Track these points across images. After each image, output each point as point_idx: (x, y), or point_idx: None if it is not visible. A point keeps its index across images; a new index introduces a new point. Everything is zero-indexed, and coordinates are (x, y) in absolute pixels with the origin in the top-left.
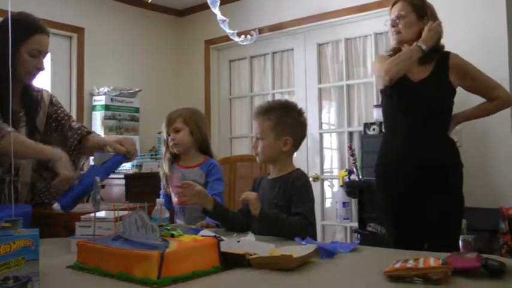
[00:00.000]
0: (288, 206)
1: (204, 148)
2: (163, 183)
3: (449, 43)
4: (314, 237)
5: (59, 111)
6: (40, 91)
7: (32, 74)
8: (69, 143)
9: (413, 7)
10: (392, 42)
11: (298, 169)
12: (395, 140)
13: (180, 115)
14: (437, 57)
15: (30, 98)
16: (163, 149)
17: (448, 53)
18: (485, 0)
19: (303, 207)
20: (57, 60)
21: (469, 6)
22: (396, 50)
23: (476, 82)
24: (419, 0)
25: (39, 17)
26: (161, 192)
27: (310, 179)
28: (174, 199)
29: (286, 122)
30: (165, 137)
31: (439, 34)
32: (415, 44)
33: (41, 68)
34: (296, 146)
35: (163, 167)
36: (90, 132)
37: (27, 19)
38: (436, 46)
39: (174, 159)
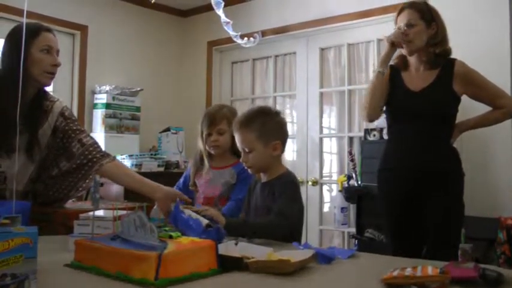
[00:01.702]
0: None
1: (238, 151)
2: (191, 179)
3: (451, 50)
4: (297, 234)
5: (71, 125)
6: (53, 101)
7: (49, 72)
8: (75, 159)
9: (421, 14)
10: (404, 51)
11: (287, 171)
12: (398, 146)
13: (225, 116)
14: (443, 63)
15: (36, 107)
16: (200, 145)
17: (453, 59)
18: (488, 8)
19: (281, 203)
20: (59, 57)
21: (472, 14)
22: (401, 58)
23: (482, 91)
24: (425, 7)
25: (43, 14)
26: (179, 185)
27: (309, 183)
28: (199, 198)
29: (269, 127)
30: (204, 136)
31: (388, 53)
32: (372, 72)
33: (56, 63)
34: (284, 147)
35: (196, 164)
36: (104, 156)
37: (31, 23)
38: (442, 51)
39: (202, 159)
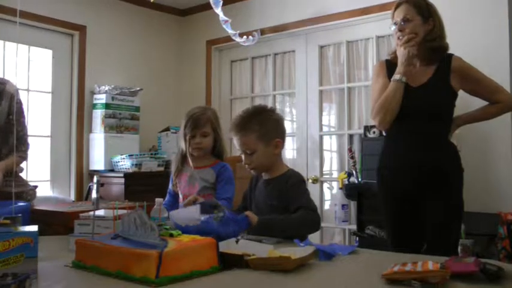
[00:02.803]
0: (283, 206)
1: (218, 153)
2: (173, 179)
3: (450, 47)
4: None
5: (22, 106)
6: (4, 84)
7: None
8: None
9: (417, 10)
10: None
11: (291, 169)
12: (397, 143)
13: (209, 120)
14: (440, 58)
15: None
16: (182, 146)
17: (450, 55)
18: (487, 4)
19: (301, 199)
20: (58, 58)
21: (471, 10)
22: (397, 52)
23: (479, 86)
24: (423, 2)
25: (41, 15)
26: (169, 188)
27: (310, 180)
28: (181, 197)
29: (268, 126)
30: (188, 137)
31: (408, 55)
32: (392, 81)
33: None
34: (284, 144)
35: (176, 164)
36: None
37: None
38: (439, 46)
39: (184, 158)
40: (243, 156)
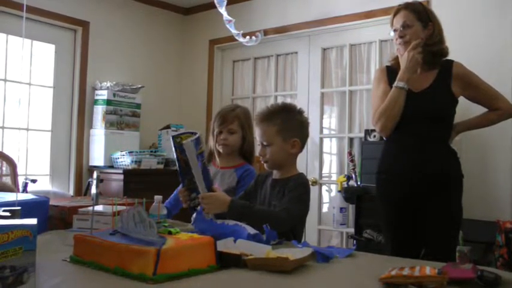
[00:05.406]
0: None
1: (246, 154)
2: None
3: (452, 53)
4: (298, 235)
5: None
6: None
7: None
8: None
9: (417, 15)
10: (401, 52)
11: (301, 173)
12: (397, 148)
13: (237, 117)
14: (441, 64)
15: None
16: (211, 142)
17: (451, 61)
18: (490, 10)
19: (288, 200)
20: (60, 53)
21: (474, 16)
22: (398, 59)
23: (479, 92)
24: (421, 7)
25: (45, 9)
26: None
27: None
28: None
29: (291, 124)
30: (215, 134)
31: (417, 63)
32: (394, 87)
33: None
34: (302, 147)
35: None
36: None
37: None
38: (439, 50)
39: (211, 155)
40: (260, 148)
